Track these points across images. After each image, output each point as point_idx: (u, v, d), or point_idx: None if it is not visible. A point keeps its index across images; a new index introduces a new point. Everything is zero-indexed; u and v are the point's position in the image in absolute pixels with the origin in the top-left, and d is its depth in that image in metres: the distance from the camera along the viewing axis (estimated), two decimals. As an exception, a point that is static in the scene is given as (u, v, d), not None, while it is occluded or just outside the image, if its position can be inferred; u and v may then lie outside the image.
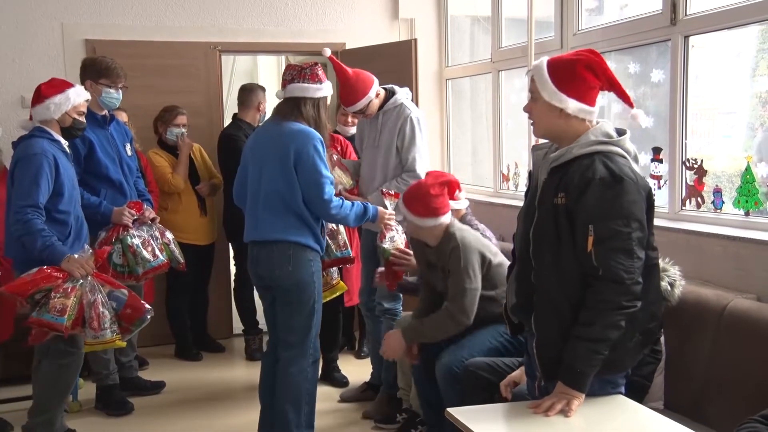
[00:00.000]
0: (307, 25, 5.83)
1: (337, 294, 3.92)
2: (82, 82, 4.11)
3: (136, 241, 4.08)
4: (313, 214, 3.40)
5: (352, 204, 3.49)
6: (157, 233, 4.29)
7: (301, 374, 3.47)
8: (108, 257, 3.93)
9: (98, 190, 4.13)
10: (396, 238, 3.71)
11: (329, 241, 3.70)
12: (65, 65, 5.25)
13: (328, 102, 3.53)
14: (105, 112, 4.23)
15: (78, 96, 3.66)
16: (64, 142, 3.67)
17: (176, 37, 5.51)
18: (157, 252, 4.17)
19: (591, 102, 2.26)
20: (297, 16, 5.82)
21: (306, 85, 3.41)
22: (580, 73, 2.23)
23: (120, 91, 4.21)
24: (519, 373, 2.81)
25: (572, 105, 2.23)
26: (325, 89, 3.46)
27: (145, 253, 4.09)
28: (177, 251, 4.39)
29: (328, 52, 3.83)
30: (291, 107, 3.43)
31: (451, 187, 3.40)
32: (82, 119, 3.70)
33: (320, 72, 3.45)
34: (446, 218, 3.30)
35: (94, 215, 4.00)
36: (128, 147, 4.37)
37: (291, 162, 3.33)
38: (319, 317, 3.52)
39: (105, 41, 5.27)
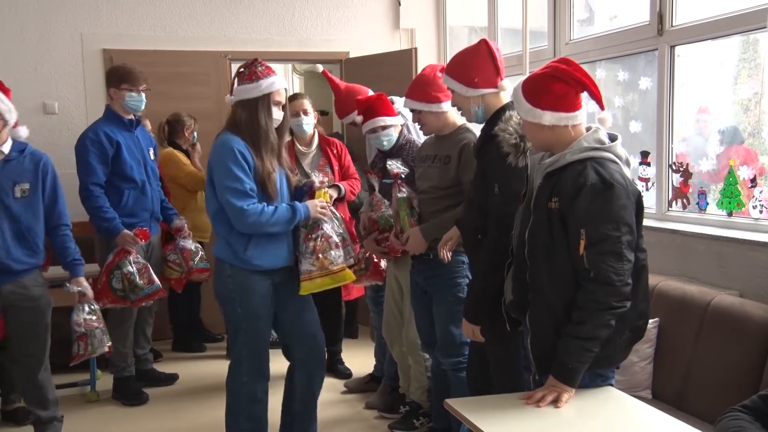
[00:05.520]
0: (312, 35, 5.83)
1: (341, 283, 3.27)
2: (107, 91, 4.22)
3: (131, 268, 3.98)
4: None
5: (275, 209, 2.94)
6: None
7: (236, 392, 3.11)
8: (109, 282, 3.96)
9: (122, 191, 4.14)
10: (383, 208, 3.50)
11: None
12: (84, 73, 5.26)
13: (279, 98, 2.97)
14: (131, 116, 4.26)
15: None
16: None
17: (188, 47, 5.52)
18: (154, 278, 4.06)
19: (568, 108, 2.20)
20: (303, 26, 5.82)
21: (242, 87, 2.93)
22: (546, 84, 2.20)
23: (142, 94, 4.22)
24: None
25: (547, 117, 2.19)
26: (265, 86, 2.91)
27: (139, 280, 3.99)
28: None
29: (320, 67, 3.60)
30: (230, 115, 3.00)
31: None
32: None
33: (259, 69, 2.94)
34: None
35: (106, 227, 4.02)
36: (151, 151, 4.40)
37: (211, 176, 2.98)
38: (251, 338, 3.06)
39: (121, 50, 5.27)
